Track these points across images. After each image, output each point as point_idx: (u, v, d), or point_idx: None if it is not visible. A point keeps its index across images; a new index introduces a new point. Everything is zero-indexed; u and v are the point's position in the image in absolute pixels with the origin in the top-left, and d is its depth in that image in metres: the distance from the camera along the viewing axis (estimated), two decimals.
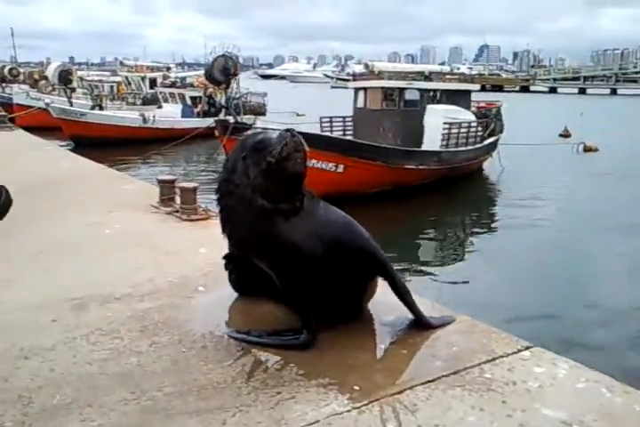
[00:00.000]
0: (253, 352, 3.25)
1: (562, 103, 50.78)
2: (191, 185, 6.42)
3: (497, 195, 15.05)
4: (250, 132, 3.42)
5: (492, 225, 12.23)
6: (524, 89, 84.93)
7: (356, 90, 15.46)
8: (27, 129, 16.22)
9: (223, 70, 20.07)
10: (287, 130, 3.16)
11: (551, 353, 3.34)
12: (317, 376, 3.00)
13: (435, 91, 14.97)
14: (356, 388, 2.90)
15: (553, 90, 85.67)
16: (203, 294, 4.11)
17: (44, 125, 21.41)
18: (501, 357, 3.25)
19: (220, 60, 20.02)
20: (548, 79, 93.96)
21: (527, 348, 3.36)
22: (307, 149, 3.14)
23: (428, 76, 15.22)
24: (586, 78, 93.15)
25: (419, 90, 14.74)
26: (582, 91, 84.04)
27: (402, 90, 14.59)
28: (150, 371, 3.03)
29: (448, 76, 16.07)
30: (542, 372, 3.10)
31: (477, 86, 17.70)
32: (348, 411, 2.70)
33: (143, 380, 2.93)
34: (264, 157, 3.09)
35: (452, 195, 13.72)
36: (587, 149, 21.46)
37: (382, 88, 14.75)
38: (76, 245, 5.29)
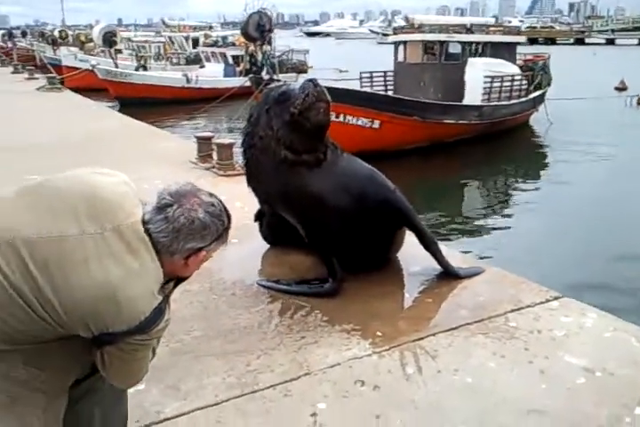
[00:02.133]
0: (281, 300, 3.33)
1: (620, 55, 48.31)
2: (227, 141, 6.48)
3: (542, 150, 14.56)
4: (273, 85, 3.41)
5: (535, 181, 11.90)
6: (579, 41, 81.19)
7: (396, 44, 15.01)
8: (75, 90, 16.54)
9: (258, 27, 19.85)
10: (309, 80, 3.14)
11: (580, 303, 3.31)
12: (341, 323, 3.06)
13: (477, 43, 14.39)
14: (379, 334, 2.95)
15: (610, 41, 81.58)
16: (235, 246, 4.17)
17: (91, 86, 21.78)
18: (528, 306, 3.23)
19: (255, 17, 19.76)
20: (606, 30, 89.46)
21: (556, 298, 3.34)
22: (329, 99, 3.12)
23: (470, 29, 14.64)
24: None
25: (460, 43, 14.22)
26: None
27: (443, 43, 14.08)
28: (180, 316, 3.13)
29: (492, 29, 15.42)
30: (569, 321, 3.08)
31: (523, 38, 16.96)
32: (369, 355, 2.76)
33: (173, 324, 3.00)
34: (287, 109, 3.09)
35: (494, 150, 13.31)
36: None
37: (422, 41, 14.31)
38: None
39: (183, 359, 2.73)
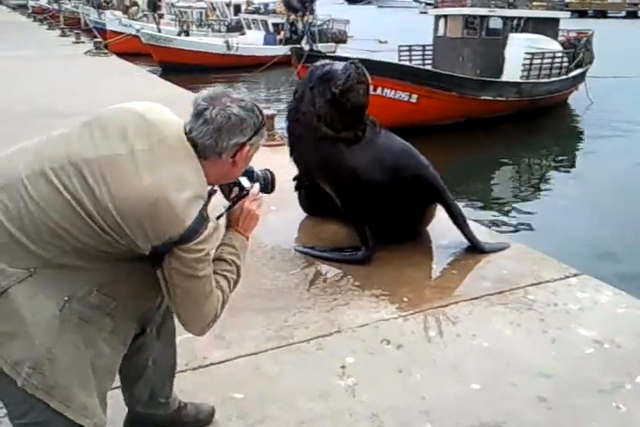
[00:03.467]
0: (316, 264, 3.61)
1: None
2: (269, 112, 6.68)
3: (580, 131, 14.41)
4: (318, 63, 3.61)
5: (569, 161, 11.85)
6: (633, 15, 78.05)
7: (437, 17, 14.78)
8: (119, 55, 16.85)
9: None
10: (352, 62, 3.34)
11: (597, 280, 3.50)
12: (371, 288, 3.32)
13: (519, 19, 14.18)
14: (405, 299, 3.20)
15: None
16: (275, 213, 4.46)
17: (135, 51, 22.16)
18: (547, 281, 3.44)
19: None
20: None
21: (575, 275, 3.53)
22: (369, 80, 3.32)
23: (512, 3, 14.38)
24: None
25: (501, 17, 14.06)
26: None
27: (483, 17, 13.89)
28: None
29: (535, 3, 15.08)
30: (585, 297, 3.28)
31: (567, 14, 16.54)
32: (395, 318, 3.02)
33: None
34: (329, 88, 3.30)
35: (530, 128, 13.22)
36: None
37: (463, 15, 14.14)
38: None
39: (226, 313, 3.00)
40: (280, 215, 4.41)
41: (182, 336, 2.68)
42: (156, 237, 1.53)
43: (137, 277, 1.67)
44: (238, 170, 1.75)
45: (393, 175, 3.50)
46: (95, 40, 17.99)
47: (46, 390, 1.54)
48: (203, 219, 1.58)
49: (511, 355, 2.73)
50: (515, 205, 9.05)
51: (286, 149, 6.19)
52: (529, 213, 8.56)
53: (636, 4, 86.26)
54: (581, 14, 57.47)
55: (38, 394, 1.54)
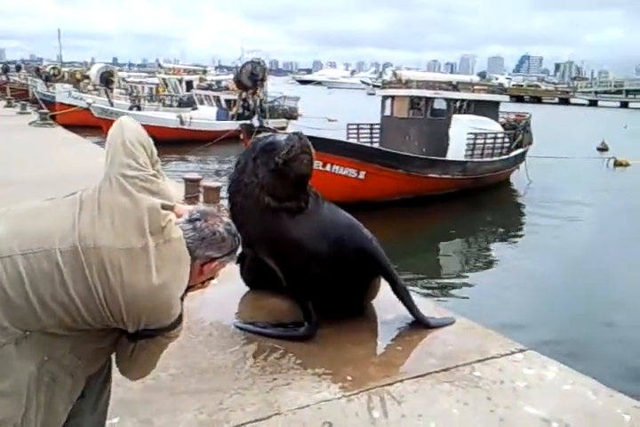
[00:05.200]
0: (256, 342, 3.44)
1: (603, 116, 49.88)
2: (215, 184, 6.67)
3: (521, 207, 14.92)
4: (262, 135, 3.63)
5: (513, 237, 12.17)
6: (564, 101, 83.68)
7: (384, 98, 15.47)
8: (67, 127, 16.79)
9: (251, 76, 20.51)
10: (295, 133, 3.35)
11: (544, 357, 3.45)
12: (314, 366, 3.17)
13: (462, 101, 14.91)
14: (349, 378, 3.06)
15: (594, 103, 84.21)
16: (215, 287, 4.28)
17: (84, 124, 22.15)
18: (494, 357, 3.37)
19: (248, 67, 20.46)
20: (590, 92, 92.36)
21: (521, 351, 3.47)
22: (312, 151, 3.33)
23: (455, 86, 15.14)
24: (629, 92, 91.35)
25: (446, 99, 14.71)
26: (624, 104, 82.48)
27: (429, 99, 14.57)
28: None
29: (477, 87, 15.91)
30: (531, 373, 3.22)
31: (506, 98, 17.56)
32: (338, 398, 2.86)
33: None
34: (273, 158, 3.29)
35: (475, 206, 13.62)
36: (617, 164, 21.19)
37: (410, 97, 14.75)
38: None
39: (158, 395, 2.82)
40: (221, 289, 4.23)
41: (107, 421, 2.47)
42: (149, 323, 1.75)
43: (105, 341, 1.84)
44: (202, 278, 1.95)
45: (336, 247, 3.45)
46: (40, 111, 17.94)
47: None
48: (181, 313, 1.83)
49: None
50: (459, 278, 9.11)
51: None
52: (472, 285, 8.63)
53: (567, 92, 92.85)
54: (518, 99, 61.31)
55: None
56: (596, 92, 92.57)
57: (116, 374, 2.97)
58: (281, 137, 3.39)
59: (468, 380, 3.09)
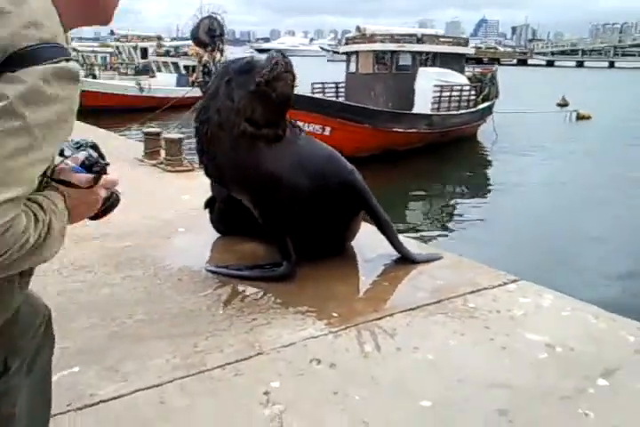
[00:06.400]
0: (231, 284, 3.15)
1: (560, 76, 50.36)
2: (176, 136, 6.29)
3: (488, 161, 14.85)
4: (233, 58, 3.27)
5: (482, 189, 12.14)
6: (522, 62, 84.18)
7: (348, 54, 14.95)
8: None
9: (208, 31, 19.68)
10: (277, 50, 3.03)
11: (537, 285, 3.25)
12: (295, 305, 2.90)
13: (427, 53, 14.56)
14: (335, 315, 2.81)
15: (550, 63, 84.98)
16: (182, 235, 4.00)
17: None
18: (486, 288, 3.15)
19: (206, 22, 19.56)
20: (546, 53, 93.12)
21: (514, 281, 3.27)
22: (295, 72, 3.02)
23: (420, 39, 14.73)
24: (584, 52, 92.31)
25: (411, 53, 14.34)
26: (580, 64, 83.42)
27: (394, 53, 14.16)
28: (122, 300, 2.93)
29: (442, 39, 15.72)
30: (527, 302, 3.02)
31: (471, 50, 17.33)
32: (325, 335, 2.61)
33: (114, 309, 2.83)
34: (252, 78, 2.94)
35: (444, 159, 13.47)
36: (579, 117, 21.37)
37: (374, 51, 14.32)
38: None
39: (123, 342, 2.52)
40: (189, 237, 3.95)
41: (61, 372, 2.17)
42: None
43: None
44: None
45: (315, 179, 3.14)
46: None
47: None
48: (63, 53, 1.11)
49: (460, 367, 2.38)
50: (438, 230, 9.04)
51: (193, 175, 5.86)
52: (453, 230, 8.64)
53: (525, 53, 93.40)
54: (478, 62, 61.29)
55: None
56: (553, 53, 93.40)
57: (86, 330, 2.67)
58: (259, 56, 3.06)
59: (462, 311, 2.88)
